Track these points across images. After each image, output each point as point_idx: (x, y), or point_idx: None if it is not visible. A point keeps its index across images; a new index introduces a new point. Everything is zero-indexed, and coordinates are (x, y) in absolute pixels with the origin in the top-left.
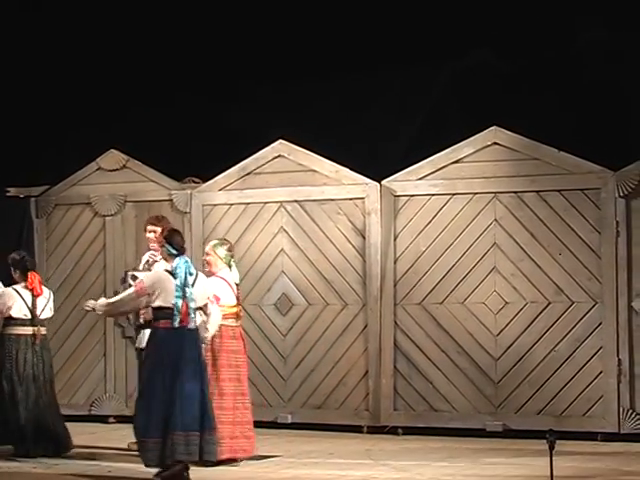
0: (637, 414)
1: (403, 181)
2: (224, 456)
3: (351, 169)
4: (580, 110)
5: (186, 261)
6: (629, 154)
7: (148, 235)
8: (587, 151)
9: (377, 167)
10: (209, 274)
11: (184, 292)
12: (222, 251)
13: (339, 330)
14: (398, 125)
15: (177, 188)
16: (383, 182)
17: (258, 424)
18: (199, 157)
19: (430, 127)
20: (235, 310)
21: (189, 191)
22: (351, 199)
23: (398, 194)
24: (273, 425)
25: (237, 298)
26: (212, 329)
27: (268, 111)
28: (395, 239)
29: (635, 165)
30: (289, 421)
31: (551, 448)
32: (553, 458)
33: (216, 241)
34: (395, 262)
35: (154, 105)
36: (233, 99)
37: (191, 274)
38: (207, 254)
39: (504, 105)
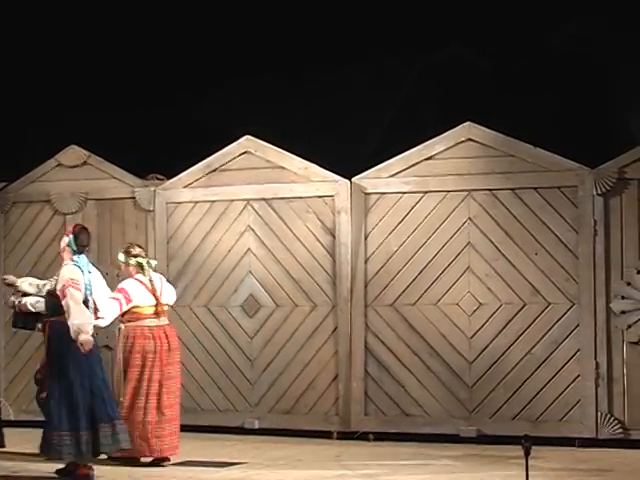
0: (615, 419)
1: (374, 178)
2: (136, 454)
3: (321, 166)
4: (557, 106)
5: (85, 259)
6: (607, 151)
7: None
8: (564, 148)
9: (348, 164)
10: (128, 277)
11: (90, 288)
12: (122, 256)
13: (308, 332)
14: (370, 121)
15: (140, 185)
16: (353, 179)
17: (224, 430)
18: (163, 153)
19: (402, 123)
20: (153, 310)
21: (153, 188)
22: (320, 197)
23: (369, 192)
24: (239, 431)
25: (156, 298)
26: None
27: (235, 106)
28: (366, 238)
29: (613, 162)
30: (256, 427)
31: (527, 454)
32: (529, 464)
33: (125, 247)
34: (366, 262)
35: (116, 100)
36: (198, 94)
37: (90, 272)
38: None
39: (478, 100)
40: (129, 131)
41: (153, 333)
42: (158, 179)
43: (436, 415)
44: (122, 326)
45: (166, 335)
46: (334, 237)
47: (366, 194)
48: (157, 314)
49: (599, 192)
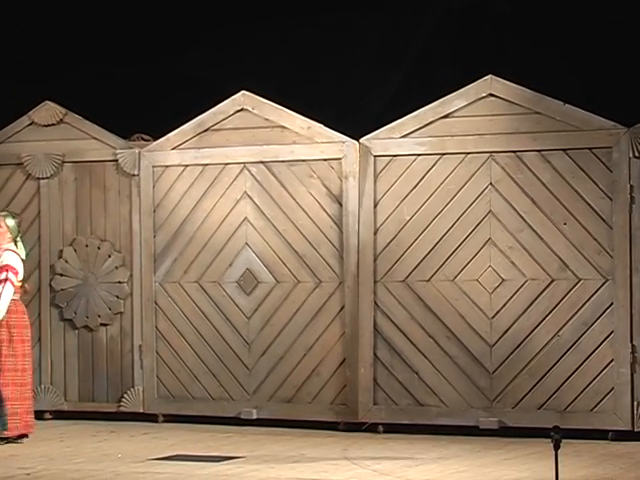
0: None
1: (384, 139)
2: (19, 432)
3: (326, 125)
4: (589, 57)
5: None
6: None
7: None
8: (597, 104)
9: (356, 123)
10: None
11: None
12: (12, 222)
13: (312, 312)
14: (380, 75)
15: (123, 146)
16: (361, 140)
17: (219, 420)
18: (149, 111)
19: (417, 77)
20: (21, 284)
21: (137, 150)
22: (325, 160)
23: (378, 154)
24: (236, 421)
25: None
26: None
27: (230, 58)
28: (375, 206)
29: None
30: (254, 417)
31: (556, 447)
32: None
33: (6, 212)
34: (375, 233)
35: (96, 51)
36: (189, 43)
37: None
38: None
39: (502, 51)
40: (111, 86)
41: (23, 308)
42: (143, 140)
43: (453, 405)
44: None
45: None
46: (341, 205)
47: (375, 157)
48: (25, 290)
49: (636, 154)
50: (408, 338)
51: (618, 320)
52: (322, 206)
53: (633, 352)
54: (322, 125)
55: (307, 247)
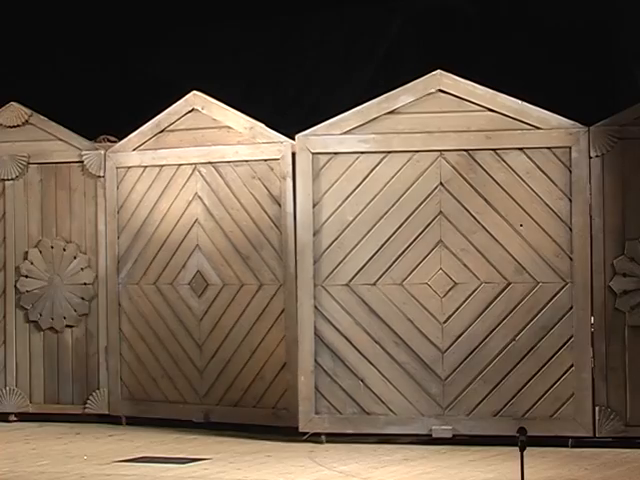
0: (616, 414)
1: (324, 135)
2: None
3: (268, 126)
4: (547, 53)
5: None
6: (606, 106)
7: None
8: (555, 102)
9: (307, 124)
10: None
11: None
12: None
13: (256, 314)
14: (345, 75)
15: (89, 148)
16: (298, 136)
17: (175, 423)
18: (115, 112)
19: (383, 77)
20: None
21: (103, 151)
22: (265, 160)
23: (317, 151)
24: (189, 425)
25: None
26: None
27: (198, 58)
28: (314, 206)
29: (613, 119)
30: (203, 420)
31: (522, 449)
32: (517, 464)
33: None
34: (315, 234)
35: (62, 52)
36: (155, 44)
37: None
38: None
39: (454, 46)
40: (76, 87)
41: None
42: (109, 141)
43: (403, 413)
44: None
45: None
46: (280, 206)
47: (314, 154)
48: None
49: (596, 154)
50: (352, 344)
51: (578, 324)
52: (263, 207)
53: (594, 357)
54: (263, 125)
55: (250, 249)
